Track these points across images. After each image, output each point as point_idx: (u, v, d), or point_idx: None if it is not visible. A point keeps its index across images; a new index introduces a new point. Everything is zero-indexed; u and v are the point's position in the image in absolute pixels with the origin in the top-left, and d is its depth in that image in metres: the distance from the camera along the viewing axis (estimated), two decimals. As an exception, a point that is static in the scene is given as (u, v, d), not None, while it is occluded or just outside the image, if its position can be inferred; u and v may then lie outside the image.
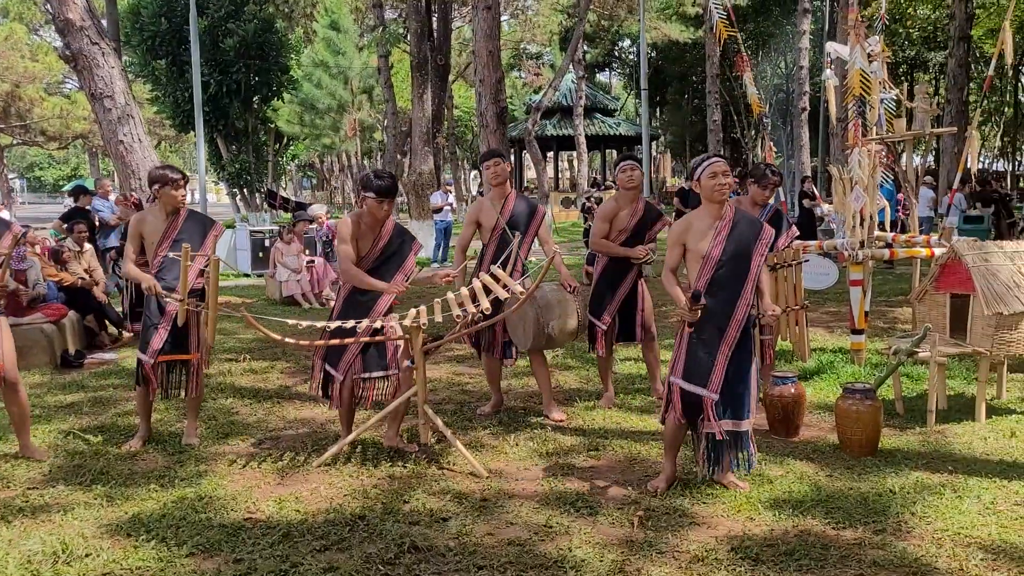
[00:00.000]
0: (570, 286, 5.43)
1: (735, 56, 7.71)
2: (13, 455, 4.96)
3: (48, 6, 10.18)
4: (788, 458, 4.71)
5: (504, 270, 5.33)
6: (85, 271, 8.90)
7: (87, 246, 9.26)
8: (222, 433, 5.42)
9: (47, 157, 65.46)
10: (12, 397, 4.83)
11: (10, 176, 57.19)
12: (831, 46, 7.24)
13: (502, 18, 35.40)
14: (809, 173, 21.37)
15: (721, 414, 4.11)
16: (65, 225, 10.04)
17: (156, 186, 5.05)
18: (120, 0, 20.31)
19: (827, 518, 3.87)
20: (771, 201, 6.03)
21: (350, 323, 4.62)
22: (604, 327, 5.80)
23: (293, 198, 28.74)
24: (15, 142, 42.95)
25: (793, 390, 5.10)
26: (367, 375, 4.82)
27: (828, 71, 7.20)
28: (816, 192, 15.53)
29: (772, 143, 7.44)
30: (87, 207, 11.23)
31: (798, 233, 6.08)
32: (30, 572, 3.43)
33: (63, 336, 7.87)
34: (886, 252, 6.61)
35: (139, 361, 5.11)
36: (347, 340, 4.71)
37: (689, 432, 4.30)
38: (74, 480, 4.53)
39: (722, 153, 26.62)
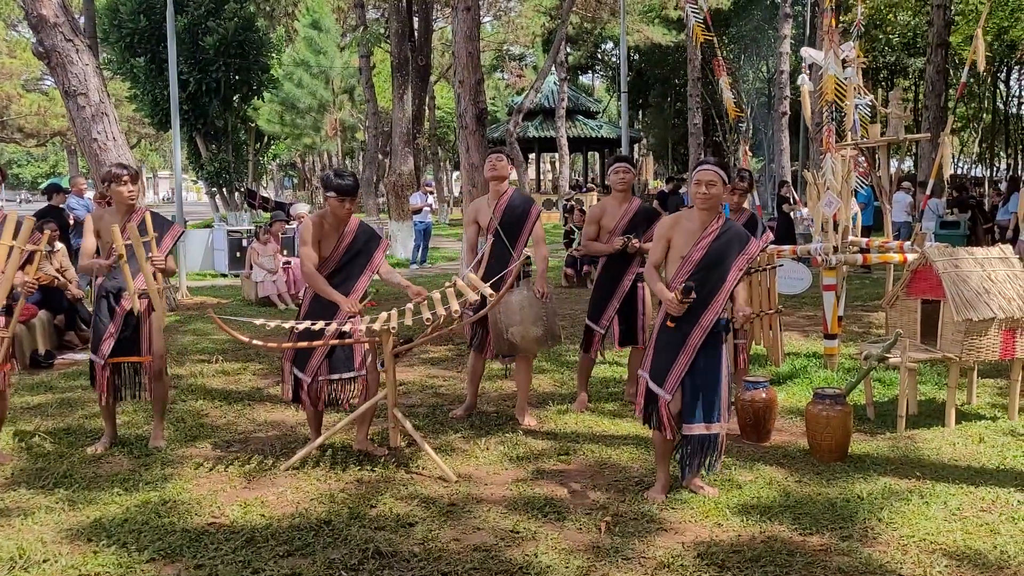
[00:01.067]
0: (540, 292, 5.35)
1: (712, 60, 7.72)
2: (-25, 458, 4.88)
3: (23, 1, 10.04)
4: (758, 463, 4.71)
5: (476, 272, 5.32)
6: (57, 270, 8.78)
7: (59, 245, 9.14)
8: (190, 435, 5.35)
9: (25, 154, 64.80)
10: None
11: (-13, 173, 56.51)
12: (806, 51, 7.26)
13: (485, 19, 35.37)
14: (788, 177, 21.48)
15: (692, 417, 4.11)
16: (38, 223, 9.91)
17: (106, 184, 5.00)
18: (98, -3, 20.10)
19: (794, 524, 3.87)
20: (746, 205, 6.05)
21: (318, 325, 4.58)
22: (601, 331, 5.78)
23: (273, 198, 28.59)
24: (-8, 139, 42.47)
25: (764, 395, 5.10)
26: (335, 376, 4.78)
27: (803, 76, 7.23)
28: (796, 196, 15.61)
29: (748, 148, 7.46)
30: (61, 205, 11.10)
31: (772, 238, 6.10)
32: (-15, 578, 3.37)
33: (33, 336, 7.77)
34: (859, 257, 6.64)
35: (91, 362, 5.04)
36: (315, 343, 4.66)
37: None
38: (36, 483, 4.46)
39: (705, 156, 26.73)
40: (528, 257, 5.40)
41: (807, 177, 6.71)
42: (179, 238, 5.17)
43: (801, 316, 9.61)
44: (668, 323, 4.08)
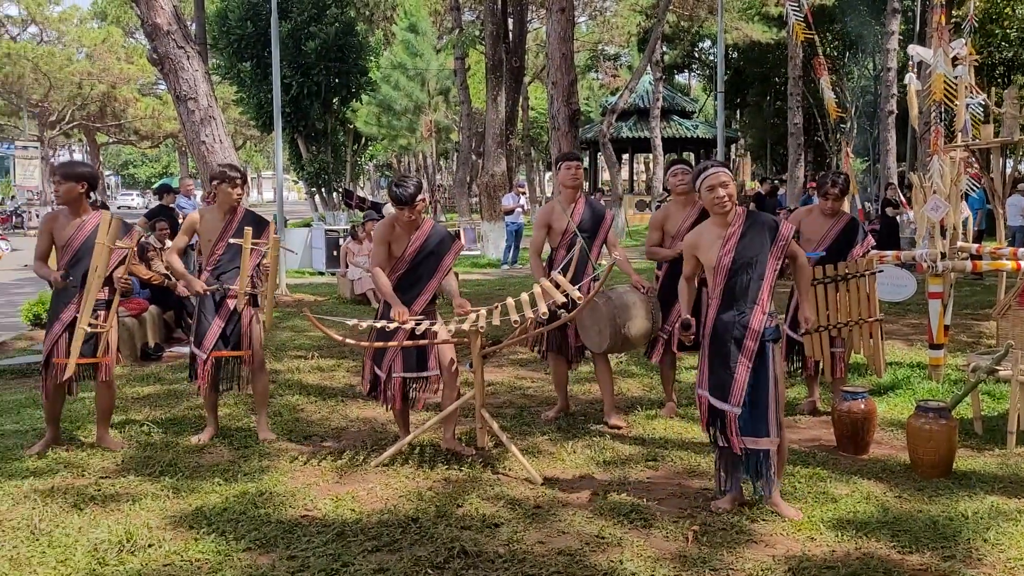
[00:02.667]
0: (642, 287, 5.36)
1: (813, 59, 7.49)
2: (90, 444, 5.17)
3: (139, 10, 10.58)
4: (855, 476, 4.54)
5: (565, 275, 5.32)
6: (166, 267, 9.21)
7: (168, 243, 9.58)
8: (287, 429, 5.53)
9: (140, 155, 68.23)
10: (104, 389, 5.05)
11: (106, 173, 59.87)
12: (913, 49, 6.96)
13: (580, 19, 35.29)
14: (895, 179, 20.66)
15: (740, 429, 3.98)
16: (149, 223, 10.42)
17: (215, 182, 5.21)
18: (209, 4, 20.98)
19: (893, 541, 3.72)
20: (847, 209, 5.85)
21: (392, 325, 4.66)
22: (664, 336, 5.71)
23: (370, 198, 29.23)
24: (111, 141, 44.90)
25: (863, 406, 4.93)
26: (408, 374, 4.85)
27: (910, 75, 6.93)
28: (901, 199, 15.01)
29: (850, 149, 7.20)
30: (171, 205, 11.62)
31: (874, 243, 5.87)
32: (96, 560, 3.56)
33: (144, 330, 8.17)
34: (968, 264, 6.33)
35: (193, 356, 5.25)
36: (392, 344, 4.75)
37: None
38: (144, 471, 4.69)
39: (805, 157, 25.93)
40: (603, 263, 5.39)
41: (913, 179, 6.44)
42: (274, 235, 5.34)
43: (905, 324, 9.22)
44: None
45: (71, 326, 4.85)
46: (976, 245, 6.90)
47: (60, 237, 4.94)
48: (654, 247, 5.71)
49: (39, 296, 10.18)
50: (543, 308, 4.51)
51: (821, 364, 5.64)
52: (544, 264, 5.68)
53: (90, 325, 4.82)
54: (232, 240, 5.14)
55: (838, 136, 28.88)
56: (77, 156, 56.00)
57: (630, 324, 5.23)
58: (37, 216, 32.74)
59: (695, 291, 4.27)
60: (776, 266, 3.98)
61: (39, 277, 5.01)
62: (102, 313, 4.93)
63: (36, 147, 35.73)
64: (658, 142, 27.89)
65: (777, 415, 3.99)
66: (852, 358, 6.07)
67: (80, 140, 45.94)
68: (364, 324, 4.78)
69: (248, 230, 5.05)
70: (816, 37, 7.06)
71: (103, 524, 3.91)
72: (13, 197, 36.47)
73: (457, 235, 20.57)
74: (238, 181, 5.17)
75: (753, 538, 3.78)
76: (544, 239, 5.72)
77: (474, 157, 25.39)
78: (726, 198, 3.96)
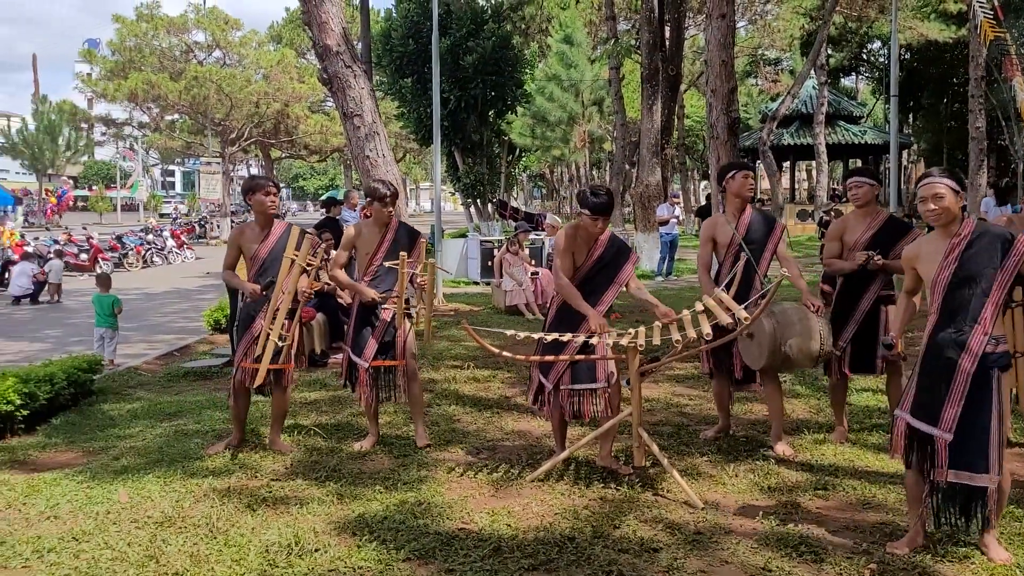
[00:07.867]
0: (813, 305, 5.05)
1: (1003, 58, 6.89)
2: (264, 447, 5.43)
3: (311, 33, 11.16)
4: (1056, 518, 4.10)
5: (728, 290, 5.11)
6: (331, 280, 9.62)
7: (333, 253, 10.00)
8: (444, 440, 5.61)
9: (309, 169, 72.21)
10: (281, 395, 5.33)
11: (278, 186, 63.63)
12: None
13: (739, 24, 34.28)
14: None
15: (954, 462, 3.63)
16: (317, 233, 10.93)
17: (369, 200, 5.40)
18: (373, 24, 21.90)
19: (1105, 596, 3.32)
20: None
21: (565, 337, 4.61)
22: (837, 353, 5.38)
23: (523, 208, 29.59)
24: (283, 155, 47.71)
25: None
26: (577, 387, 4.79)
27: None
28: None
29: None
30: (337, 217, 12.14)
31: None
32: (267, 562, 3.72)
33: (311, 336, 8.54)
34: None
35: (353, 365, 5.42)
36: (561, 357, 4.70)
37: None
38: (311, 475, 4.87)
39: (988, 163, 24.03)
40: (773, 279, 5.11)
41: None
42: (424, 244, 5.48)
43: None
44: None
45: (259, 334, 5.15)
46: None
47: (247, 249, 5.28)
48: (832, 259, 5.41)
49: (219, 303, 10.92)
50: (707, 329, 4.35)
51: (1015, 391, 5.14)
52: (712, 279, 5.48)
53: (280, 337, 5.09)
54: (387, 264, 5.31)
55: (1026, 140, 26.54)
56: (254, 170, 59.90)
57: (793, 342, 4.94)
58: (218, 227, 35.31)
59: (914, 308, 3.98)
60: (1005, 283, 3.63)
61: (231, 287, 5.35)
62: (286, 322, 5.20)
63: (218, 162, 38.51)
64: (822, 148, 26.72)
65: (1000, 450, 3.62)
66: None
67: (256, 155, 49.13)
68: (522, 335, 4.77)
69: (404, 255, 5.17)
70: (1007, 35, 6.49)
71: (274, 526, 4.09)
72: (198, 209, 39.43)
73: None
74: (388, 200, 5.31)
75: (939, 582, 3.48)
76: (710, 253, 5.52)
77: (627, 167, 25.18)
78: (938, 211, 3.68)
